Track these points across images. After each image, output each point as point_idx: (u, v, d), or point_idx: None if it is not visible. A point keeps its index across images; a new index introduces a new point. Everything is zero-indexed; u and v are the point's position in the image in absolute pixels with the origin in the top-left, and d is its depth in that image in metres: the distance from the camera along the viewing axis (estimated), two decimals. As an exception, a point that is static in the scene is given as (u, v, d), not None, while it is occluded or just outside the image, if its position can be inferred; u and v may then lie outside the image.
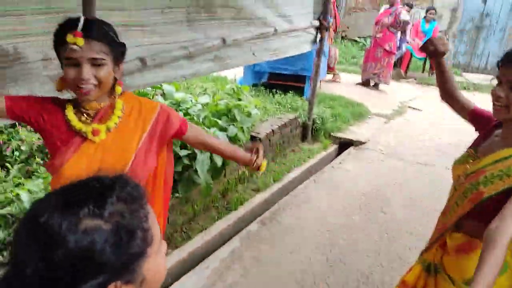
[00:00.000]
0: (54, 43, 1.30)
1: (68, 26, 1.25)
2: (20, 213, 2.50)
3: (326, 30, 5.19)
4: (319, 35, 5.14)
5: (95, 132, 1.39)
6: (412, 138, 6.00)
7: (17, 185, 2.79)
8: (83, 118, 1.40)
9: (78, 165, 1.37)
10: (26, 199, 2.49)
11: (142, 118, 1.47)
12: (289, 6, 4.41)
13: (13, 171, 2.99)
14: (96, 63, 1.27)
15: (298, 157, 5.03)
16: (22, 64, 1.94)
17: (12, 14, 1.89)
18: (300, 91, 6.46)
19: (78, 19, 1.26)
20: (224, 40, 3.38)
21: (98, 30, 1.28)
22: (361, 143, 5.60)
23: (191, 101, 4.00)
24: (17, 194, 2.55)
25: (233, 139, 3.67)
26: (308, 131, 5.56)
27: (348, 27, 13.44)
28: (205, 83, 6.15)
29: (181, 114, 3.41)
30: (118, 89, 1.40)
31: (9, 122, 2.43)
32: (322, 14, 5.07)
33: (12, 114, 1.35)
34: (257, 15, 3.84)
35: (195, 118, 3.64)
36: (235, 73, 6.84)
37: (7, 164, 3.09)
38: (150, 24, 2.71)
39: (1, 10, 1.84)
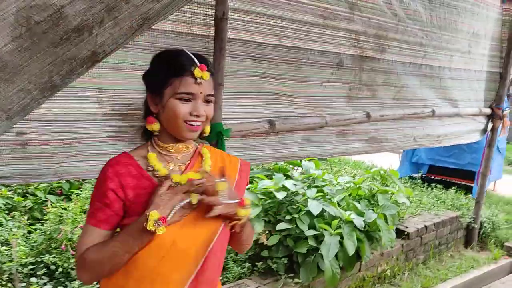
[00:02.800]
0: (158, 75, 1.17)
1: (184, 57, 1.15)
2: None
3: (500, 119, 4.44)
4: (490, 124, 4.43)
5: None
6: None
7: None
8: (170, 167, 1.19)
9: (171, 225, 1.10)
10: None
11: (227, 171, 1.25)
12: (457, 91, 3.95)
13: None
14: (208, 100, 1.17)
15: (458, 265, 4.12)
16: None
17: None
18: (466, 190, 5.55)
19: (183, 52, 1.17)
20: (380, 119, 3.14)
21: (211, 65, 1.19)
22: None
23: (331, 181, 3.70)
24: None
25: (371, 228, 3.18)
26: (473, 236, 4.60)
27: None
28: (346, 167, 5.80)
29: (314, 191, 3.13)
30: (208, 128, 1.23)
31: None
32: (495, 102, 4.40)
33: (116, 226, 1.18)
34: (417, 96, 3.51)
35: (332, 199, 3.31)
36: (390, 164, 6.33)
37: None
38: (307, 96, 2.63)
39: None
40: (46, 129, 1.82)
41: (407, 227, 3.90)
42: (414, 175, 5.98)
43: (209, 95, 1.16)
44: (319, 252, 2.79)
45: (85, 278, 1.16)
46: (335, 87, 2.73)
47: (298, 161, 3.71)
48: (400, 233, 3.83)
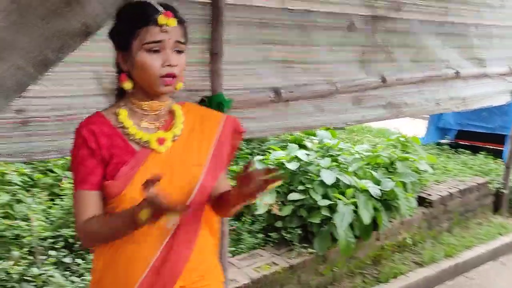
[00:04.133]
0: (123, 29, 1.14)
1: (147, 6, 1.11)
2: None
3: (534, 78, 4.16)
4: (522, 85, 4.16)
5: (160, 141, 1.17)
6: None
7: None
8: (143, 124, 1.18)
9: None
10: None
11: (207, 130, 1.25)
12: (485, 49, 3.70)
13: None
14: (179, 49, 1.13)
15: (485, 231, 4.00)
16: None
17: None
18: (497, 154, 5.31)
19: (146, 2, 1.12)
20: (397, 83, 2.98)
21: (179, 13, 1.15)
22: None
23: (349, 150, 3.60)
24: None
25: (388, 197, 3.08)
26: (502, 202, 4.43)
27: None
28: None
29: (327, 160, 3.05)
30: (180, 84, 1.18)
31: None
32: (528, 59, 4.10)
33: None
34: (439, 57, 3.31)
35: (348, 168, 3.23)
36: (418, 130, 6.12)
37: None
38: (316, 62, 2.51)
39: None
40: (46, 106, 1.82)
41: (429, 195, 3.78)
42: (442, 141, 5.76)
43: (179, 42, 1.12)
44: (332, 222, 2.75)
45: (89, 245, 1.28)
46: (346, 51, 2.60)
47: (314, 131, 3.62)
48: (422, 201, 3.72)
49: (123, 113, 1.17)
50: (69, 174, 3.22)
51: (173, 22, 1.10)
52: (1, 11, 1.40)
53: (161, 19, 1.09)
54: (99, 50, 1.82)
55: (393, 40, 2.84)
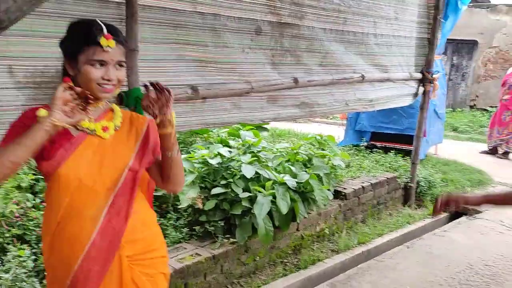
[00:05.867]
0: (72, 43, 1.33)
1: (94, 28, 1.30)
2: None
3: (430, 83, 4.69)
4: (421, 89, 4.68)
5: (105, 129, 1.40)
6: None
7: None
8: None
9: (77, 164, 1.33)
10: None
11: (134, 128, 1.48)
12: (386, 56, 4.13)
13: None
14: (120, 65, 1.36)
15: (394, 221, 4.40)
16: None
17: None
18: (407, 154, 5.85)
19: (95, 22, 1.32)
20: (308, 85, 3.25)
21: (121, 35, 1.37)
22: (477, 212, 4.69)
23: (271, 148, 3.84)
24: None
25: (305, 189, 3.34)
26: (410, 195, 4.89)
27: (477, 96, 12.26)
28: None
29: (248, 156, 3.26)
30: (117, 90, 1.41)
31: None
32: (425, 66, 4.63)
33: None
34: (345, 62, 3.64)
35: (268, 163, 3.44)
36: (338, 135, 6.56)
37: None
38: (229, 62, 2.70)
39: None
40: None
41: (345, 189, 4.11)
42: (359, 144, 6.23)
43: (120, 61, 1.35)
44: (252, 212, 2.93)
45: None
46: (257, 53, 2.82)
47: (239, 132, 3.81)
48: (338, 194, 4.03)
49: None
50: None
51: (112, 43, 1.30)
52: None
53: (103, 41, 1.29)
54: (12, 44, 1.88)
55: (299, 45, 3.11)
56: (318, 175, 3.52)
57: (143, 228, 1.45)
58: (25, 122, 1.29)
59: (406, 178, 4.92)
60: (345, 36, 3.47)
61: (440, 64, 6.23)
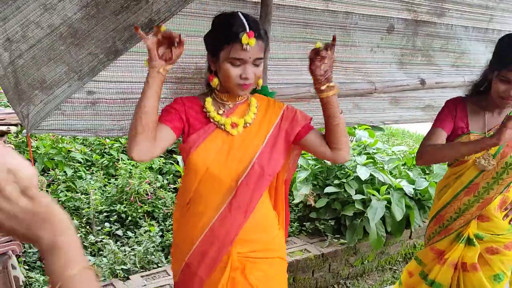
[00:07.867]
0: (214, 40, 1.37)
1: (236, 25, 1.30)
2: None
3: None
4: None
5: (233, 125, 1.44)
6: None
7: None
8: (220, 111, 1.45)
9: (206, 153, 1.40)
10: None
11: (268, 118, 1.49)
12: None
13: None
14: (257, 63, 1.35)
15: None
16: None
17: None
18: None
19: (237, 18, 1.32)
20: (436, 87, 3.05)
21: (261, 29, 1.35)
22: None
23: (386, 150, 3.69)
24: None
25: (423, 197, 3.16)
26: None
27: None
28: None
29: (363, 157, 3.17)
30: (260, 81, 1.42)
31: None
32: None
33: (179, 132, 1.44)
34: (482, 63, 3.33)
35: (383, 167, 3.33)
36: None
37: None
38: (355, 61, 2.65)
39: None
40: (112, 89, 2.07)
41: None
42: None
43: (258, 58, 1.33)
44: (365, 215, 2.87)
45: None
46: (385, 52, 2.71)
47: (353, 130, 3.73)
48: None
49: (208, 101, 1.46)
50: (124, 156, 3.53)
51: (253, 42, 1.28)
52: (84, 6, 1.66)
53: (244, 39, 1.27)
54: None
55: (433, 44, 2.92)
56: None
57: (259, 230, 1.47)
58: (173, 106, 1.43)
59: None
60: (488, 35, 3.16)
61: None
